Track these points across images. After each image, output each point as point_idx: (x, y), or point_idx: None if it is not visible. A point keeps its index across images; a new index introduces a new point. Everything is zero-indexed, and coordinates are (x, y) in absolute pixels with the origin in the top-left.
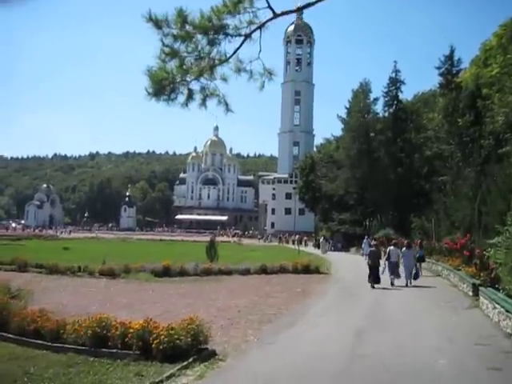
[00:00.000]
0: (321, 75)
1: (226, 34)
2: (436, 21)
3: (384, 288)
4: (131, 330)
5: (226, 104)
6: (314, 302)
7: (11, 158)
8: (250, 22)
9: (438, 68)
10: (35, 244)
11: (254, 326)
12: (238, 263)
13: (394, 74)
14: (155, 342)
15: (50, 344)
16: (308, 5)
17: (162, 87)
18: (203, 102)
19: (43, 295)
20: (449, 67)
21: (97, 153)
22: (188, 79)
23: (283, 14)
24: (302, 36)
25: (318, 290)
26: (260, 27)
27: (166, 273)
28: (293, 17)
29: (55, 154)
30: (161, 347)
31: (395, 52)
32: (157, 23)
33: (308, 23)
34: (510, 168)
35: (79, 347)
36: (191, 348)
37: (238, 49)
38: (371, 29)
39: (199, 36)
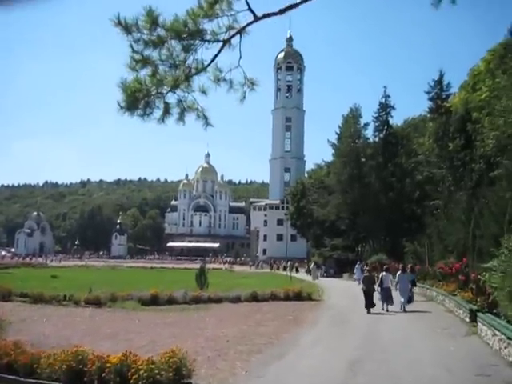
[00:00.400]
0: (311, 101)
1: (203, 40)
2: (424, 47)
3: (378, 313)
4: (108, 365)
5: (206, 118)
6: (306, 330)
7: (1, 185)
8: (229, 27)
9: (428, 92)
10: (23, 272)
11: (243, 358)
12: (229, 290)
13: (383, 99)
14: (133, 377)
15: (22, 379)
16: (291, 6)
17: (136, 100)
18: (181, 117)
19: (25, 325)
20: (438, 92)
21: (88, 180)
22: (163, 91)
23: (265, 16)
24: (292, 63)
25: (309, 317)
26: (240, 32)
27: (153, 301)
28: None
29: (46, 182)
30: (140, 383)
31: (385, 78)
32: (126, 28)
33: (298, 50)
34: (502, 191)
35: (53, 383)
36: (173, 383)
37: (216, 56)
38: (362, 54)
39: (173, 42)
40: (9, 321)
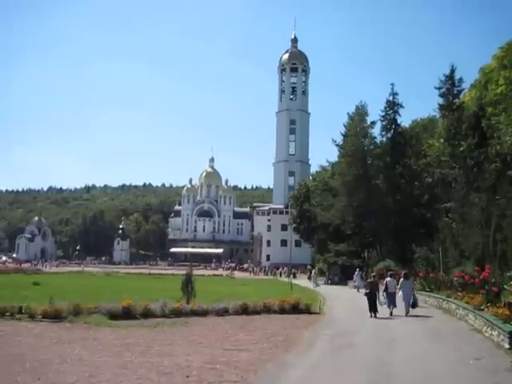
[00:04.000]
0: (317, 103)
1: None
2: (431, 51)
3: (387, 330)
4: None
5: None
6: (296, 359)
7: (6, 190)
8: None
9: (439, 88)
10: (9, 279)
11: None
12: (219, 301)
13: (391, 97)
14: None
15: None
16: None
17: None
18: None
19: None
20: (450, 87)
21: (93, 185)
22: None
23: None
24: (296, 64)
25: (304, 338)
26: None
27: (125, 314)
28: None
29: (50, 187)
30: None
31: (392, 80)
32: None
33: (303, 51)
34: None
35: None
36: None
37: None
38: (368, 57)
39: None
40: None
